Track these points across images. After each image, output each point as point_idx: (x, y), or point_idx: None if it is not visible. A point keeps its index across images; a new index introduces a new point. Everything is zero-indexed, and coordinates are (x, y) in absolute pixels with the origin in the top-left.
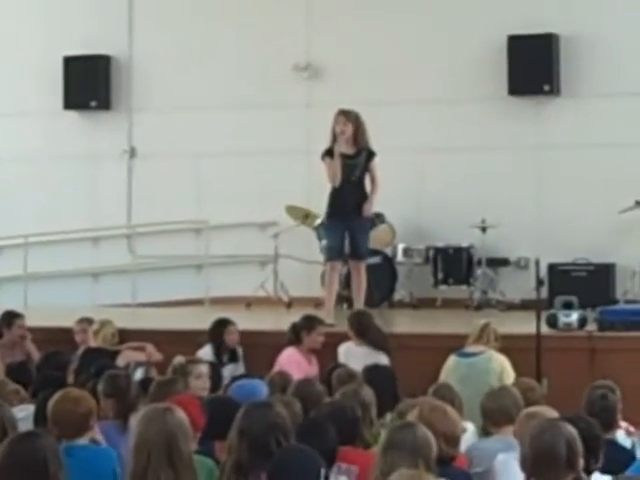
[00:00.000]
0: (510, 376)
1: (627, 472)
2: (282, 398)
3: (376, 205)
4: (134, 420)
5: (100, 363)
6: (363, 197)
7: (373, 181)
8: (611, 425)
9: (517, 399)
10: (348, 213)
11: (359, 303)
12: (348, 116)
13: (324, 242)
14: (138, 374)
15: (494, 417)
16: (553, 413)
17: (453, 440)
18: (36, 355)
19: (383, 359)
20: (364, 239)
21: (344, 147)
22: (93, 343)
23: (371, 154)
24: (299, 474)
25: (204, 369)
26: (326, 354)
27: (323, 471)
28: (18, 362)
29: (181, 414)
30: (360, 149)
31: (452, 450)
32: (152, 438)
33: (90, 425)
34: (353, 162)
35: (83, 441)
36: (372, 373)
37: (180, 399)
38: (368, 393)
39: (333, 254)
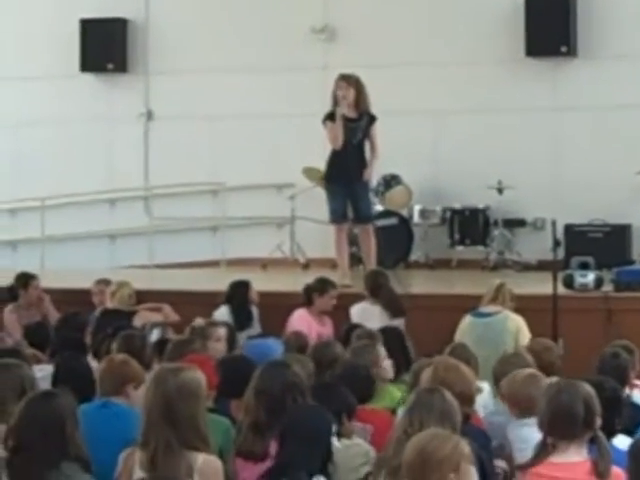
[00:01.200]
0: (526, 336)
1: None
2: (297, 357)
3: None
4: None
5: (117, 324)
6: (363, 162)
7: (372, 146)
8: (623, 383)
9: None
10: (349, 176)
11: (370, 265)
12: (349, 80)
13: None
14: (154, 335)
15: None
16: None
17: (468, 399)
18: (54, 316)
19: (395, 320)
20: (366, 202)
21: (346, 110)
22: (110, 304)
23: (372, 118)
24: (310, 431)
25: (223, 332)
26: (342, 315)
27: (334, 427)
28: (35, 323)
29: (190, 374)
30: (362, 113)
31: (467, 409)
32: (151, 399)
33: (128, 388)
34: (355, 125)
35: (119, 400)
36: (382, 334)
37: (193, 359)
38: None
39: (337, 216)
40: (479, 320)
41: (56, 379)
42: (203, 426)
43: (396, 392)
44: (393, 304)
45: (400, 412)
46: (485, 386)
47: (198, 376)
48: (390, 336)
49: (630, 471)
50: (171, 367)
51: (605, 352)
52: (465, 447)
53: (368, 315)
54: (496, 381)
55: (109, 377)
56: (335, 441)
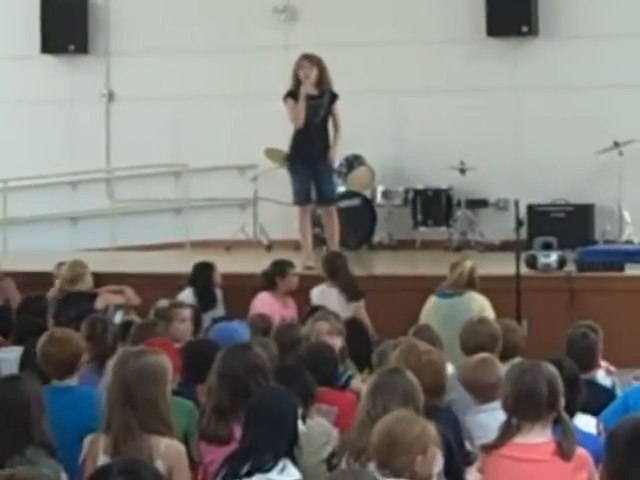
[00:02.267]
0: (490, 317)
1: (607, 411)
2: (259, 339)
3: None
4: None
5: (80, 306)
6: (327, 141)
7: (335, 124)
8: (591, 364)
9: (496, 334)
10: (313, 156)
11: (333, 247)
12: (312, 60)
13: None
14: (117, 317)
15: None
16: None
17: (442, 390)
18: (16, 300)
19: (352, 303)
20: (330, 183)
21: (310, 89)
22: (69, 287)
23: (334, 96)
24: (275, 414)
25: (187, 313)
26: (305, 296)
27: (300, 410)
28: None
29: (152, 357)
30: (323, 91)
31: (439, 399)
32: (111, 382)
33: (77, 366)
34: (317, 102)
35: (71, 382)
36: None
37: (155, 342)
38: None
39: (301, 198)
40: (444, 301)
41: (23, 364)
42: (165, 410)
43: None
44: (349, 287)
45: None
46: (449, 367)
47: (161, 360)
48: (353, 329)
49: (607, 462)
50: (134, 350)
51: (573, 333)
52: (432, 430)
53: (327, 297)
54: (465, 351)
55: (58, 358)
56: (301, 424)
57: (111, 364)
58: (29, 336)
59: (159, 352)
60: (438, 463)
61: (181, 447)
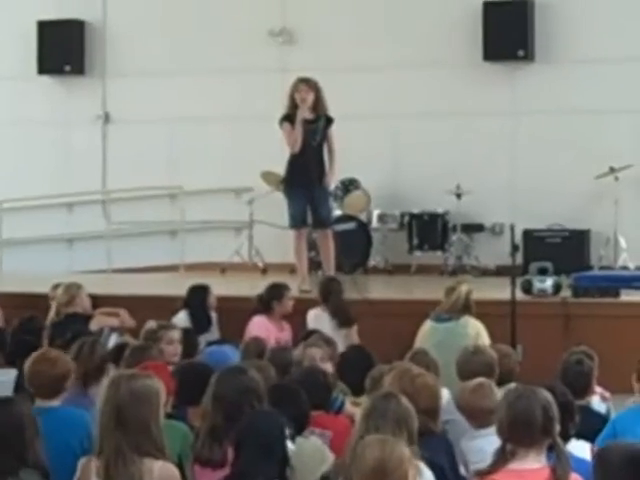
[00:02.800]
0: (486, 342)
1: (600, 437)
2: (256, 363)
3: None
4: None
5: (75, 328)
6: (322, 165)
7: (330, 148)
8: (586, 391)
9: (491, 362)
10: (310, 180)
11: (330, 270)
12: (309, 84)
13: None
14: (112, 339)
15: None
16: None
17: (436, 414)
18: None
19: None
20: (326, 207)
21: (307, 114)
22: (66, 309)
23: (329, 120)
24: (263, 438)
25: (176, 335)
26: (300, 320)
27: (288, 431)
28: None
29: (144, 381)
30: (319, 115)
31: (434, 423)
32: (103, 405)
33: (66, 387)
34: (313, 127)
35: (57, 402)
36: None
37: (148, 365)
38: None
39: (297, 222)
40: (440, 325)
41: (18, 386)
42: (158, 433)
43: None
44: (341, 313)
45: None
46: (445, 392)
47: (153, 383)
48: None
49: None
50: (126, 373)
51: (568, 359)
52: (407, 452)
53: (321, 321)
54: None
55: (47, 378)
56: (290, 444)
57: (103, 387)
58: (23, 357)
59: (151, 375)
60: None
61: (175, 470)
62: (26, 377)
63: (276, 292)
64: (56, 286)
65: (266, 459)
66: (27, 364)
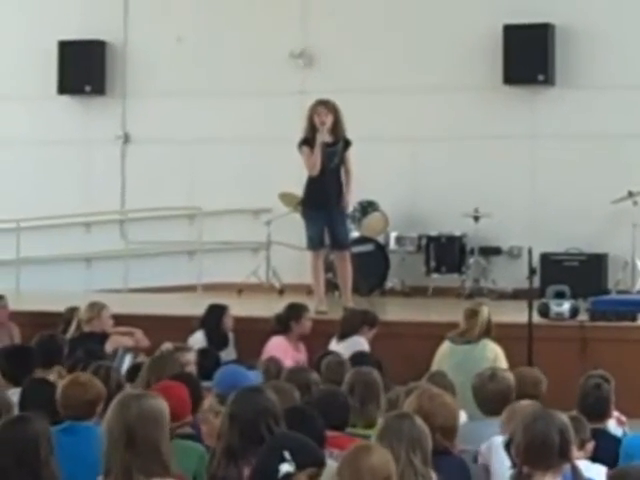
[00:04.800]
0: (503, 365)
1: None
2: (278, 384)
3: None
4: None
5: (88, 347)
6: (340, 187)
7: (347, 171)
8: (604, 415)
9: (507, 390)
10: (328, 203)
11: (347, 293)
12: (328, 106)
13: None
14: (126, 360)
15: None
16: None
17: (452, 432)
18: (18, 338)
19: (363, 343)
20: (344, 229)
21: (326, 137)
22: (87, 327)
23: (347, 143)
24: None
25: (191, 357)
26: (317, 341)
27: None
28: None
29: (152, 401)
30: (338, 138)
31: (449, 442)
32: (112, 426)
33: (97, 410)
34: (332, 150)
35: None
36: (359, 361)
37: (168, 384)
38: (377, 375)
39: (315, 243)
40: (458, 347)
41: (23, 404)
42: (165, 453)
43: None
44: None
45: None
46: (462, 414)
47: (161, 403)
48: (367, 363)
49: None
50: (134, 393)
51: (587, 383)
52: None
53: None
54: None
55: (79, 402)
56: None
57: (110, 408)
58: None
59: (157, 396)
60: None
61: None
62: (58, 400)
63: (294, 312)
64: (72, 309)
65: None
66: (59, 387)
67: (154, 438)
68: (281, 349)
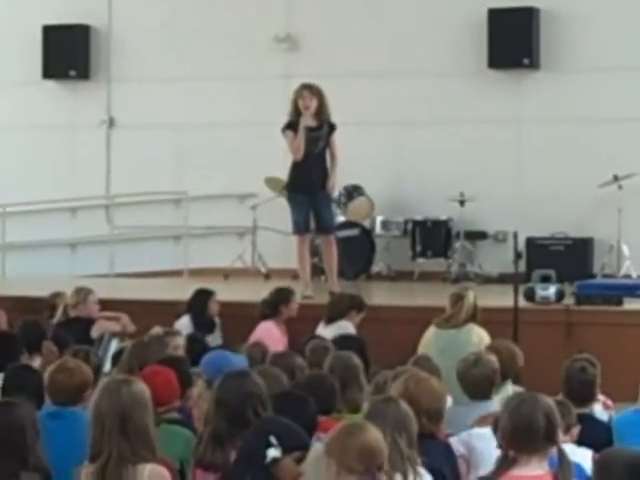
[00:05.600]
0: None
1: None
2: (267, 369)
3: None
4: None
5: (75, 334)
6: (325, 171)
7: (333, 155)
8: (590, 398)
9: (491, 374)
10: (312, 187)
11: (333, 277)
12: (312, 90)
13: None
14: (113, 345)
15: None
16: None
17: (437, 416)
18: (3, 324)
19: (350, 328)
20: (329, 213)
21: (310, 121)
22: (73, 312)
23: (332, 127)
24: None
25: (181, 341)
26: (303, 325)
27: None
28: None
29: (139, 385)
30: (322, 122)
31: (435, 426)
32: (105, 410)
33: (84, 396)
34: (316, 134)
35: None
36: (343, 342)
37: (156, 369)
38: (356, 358)
39: (300, 228)
40: (444, 332)
41: (5, 388)
42: (154, 437)
43: None
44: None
45: None
46: (448, 399)
47: (144, 387)
48: (351, 346)
49: None
50: (121, 378)
51: (571, 366)
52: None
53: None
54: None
55: (66, 387)
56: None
57: (98, 392)
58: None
59: (139, 380)
60: None
61: (164, 472)
62: (45, 385)
63: (283, 296)
64: (55, 294)
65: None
66: (47, 372)
67: (144, 423)
68: (271, 334)
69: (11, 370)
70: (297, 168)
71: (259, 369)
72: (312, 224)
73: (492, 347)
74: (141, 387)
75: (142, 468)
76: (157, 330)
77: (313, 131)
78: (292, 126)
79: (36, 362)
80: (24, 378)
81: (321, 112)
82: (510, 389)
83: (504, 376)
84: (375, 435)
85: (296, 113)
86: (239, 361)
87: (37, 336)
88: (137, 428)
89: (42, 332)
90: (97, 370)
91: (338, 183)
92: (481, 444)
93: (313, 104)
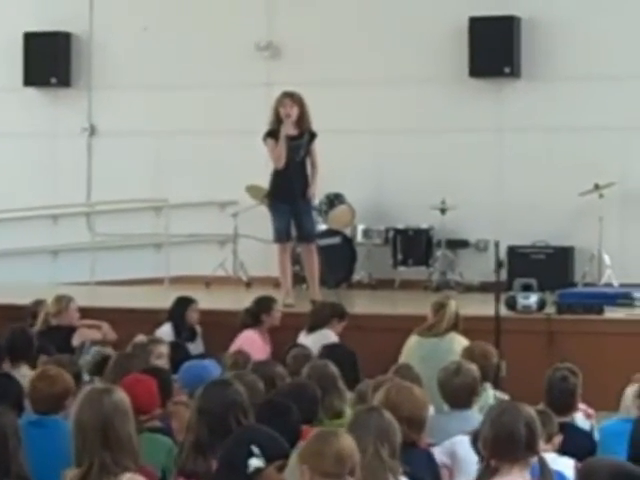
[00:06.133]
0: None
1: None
2: (243, 377)
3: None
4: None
5: (56, 341)
6: (306, 179)
7: (313, 163)
8: (571, 408)
9: (472, 383)
10: (294, 195)
11: (314, 285)
12: (293, 98)
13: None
14: (92, 353)
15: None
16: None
17: (417, 423)
18: None
19: (331, 336)
20: (310, 221)
21: (290, 129)
22: (54, 320)
23: (313, 135)
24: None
25: (164, 349)
26: (285, 334)
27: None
28: None
29: (120, 394)
30: (303, 130)
31: (416, 435)
32: (86, 420)
33: (65, 404)
34: (297, 143)
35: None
36: (332, 352)
37: (137, 377)
38: (333, 366)
39: (281, 236)
40: (425, 340)
41: None
42: (136, 445)
43: None
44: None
45: None
46: (430, 409)
47: (125, 396)
48: (341, 354)
49: None
50: (102, 387)
51: (553, 375)
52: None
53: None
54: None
55: (47, 395)
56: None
57: (79, 401)
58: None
59: (119, 389)
60: None
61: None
62: (27, 392)
63: (265, 305)
64: (38, 301)
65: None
66: (28, 380)
67: (126, 432)
68: (253, 342)
69: None
70: (278, 176)
71: (235, 374)
72: (293, 232)
73: (467, 350)
74: (122, 396)
75: (122, 477)
76: (141, 338)
77: (294, 139)
78: (273, 134)
79: (21, 370)
80: (4, 386)
81: (302, 120)
82: (491, 394)
83: (482, 378)
84: (348, 441)
85: (277, 121)
86: (213, 368)
87: (24, 344)
88: (119, 437)
89: (29, 341)
90: (78, 378)
91: (319, 191)
92: (463, 450)
93: (294, 112)
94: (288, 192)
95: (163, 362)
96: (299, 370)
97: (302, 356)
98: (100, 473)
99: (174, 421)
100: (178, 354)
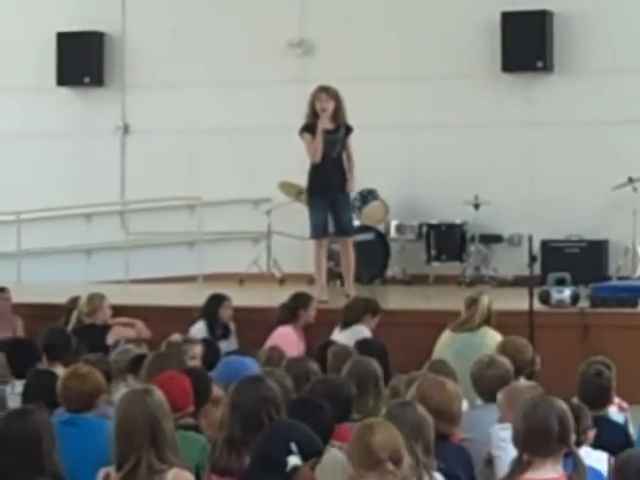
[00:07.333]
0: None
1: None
2: (273, 373)
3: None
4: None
5: (91, 340)
6: (344, 173)
7: (349, 157)
8: (605, 402)
9: (505, 375)
10: (332, 189)
11: (349, 280)
12: (329, 92)
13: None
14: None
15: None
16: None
17: (448, 417)
18: (21, 331)
19: (365, 332)
20: (348, 214)
21: (327, 123)
22: (87, 319)
23: (349, 129)
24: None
25: (198, 350)
26: (318, 330)
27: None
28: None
29: (159, 394)
30: (339, 124)
31: (447, 427)
32: (134, 420)
33: (96, 402)
34: (334, 137)
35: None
36: (365, 347)
37: (172, 374)
38: (377, 365)
39: (318, 231)
40: (458, 335)
41: (27, 395)
42: (177, 442)
43: None
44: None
45: None
46: (464, 404)
47: (162, 394)
48: (373, 349)
49: None
50: (142, 388)
51: (587, 370)
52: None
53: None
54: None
55: (78, 394)
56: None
57: (123, 402)
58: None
59: (156, 389)
60: None
61: (189, 476)
62: (58, 391)
63: (302, 300)
64: (74, 299)
65: (267, 470)
66: (60, 379)
67: (170, 429)
68: (288, 339)
69: (32, 376)
70: (316, 172)
71: (264, 371)
72: (330, 227)
73: (501, 344)
74: (161, 395)
75: (167, 473)
76: (176, 337)
77: (330, 133)
78: (309, 128)
79: (57, 370)
80: (44, 384)
81: (338, 115)
82: None
83: (517, 372)
84: (390, 431)
85: (313, 115)
86: (250, 364)
87: (62, 344)
88: (165, 434)
89: (67, 340)
90: (109, 376)
91: (357, 185)
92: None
93: (330, 106)
94: (327, 187)
95: (196, 362)
96: (340, 367)
97: (343, 352)
98: (148, 470)
99: (202, 418)
100: (209, 350)
